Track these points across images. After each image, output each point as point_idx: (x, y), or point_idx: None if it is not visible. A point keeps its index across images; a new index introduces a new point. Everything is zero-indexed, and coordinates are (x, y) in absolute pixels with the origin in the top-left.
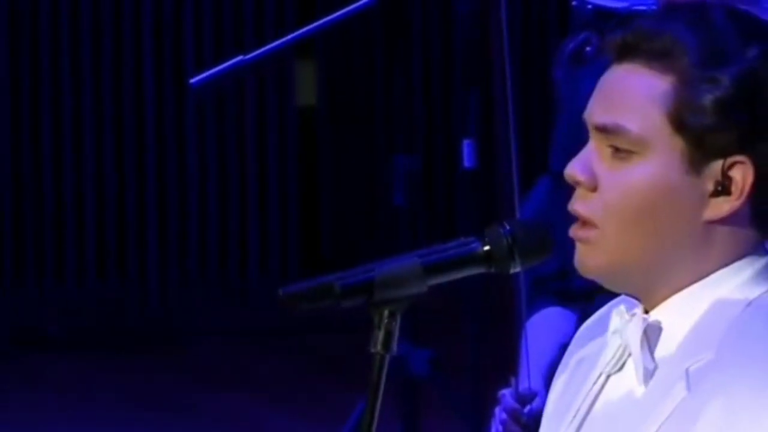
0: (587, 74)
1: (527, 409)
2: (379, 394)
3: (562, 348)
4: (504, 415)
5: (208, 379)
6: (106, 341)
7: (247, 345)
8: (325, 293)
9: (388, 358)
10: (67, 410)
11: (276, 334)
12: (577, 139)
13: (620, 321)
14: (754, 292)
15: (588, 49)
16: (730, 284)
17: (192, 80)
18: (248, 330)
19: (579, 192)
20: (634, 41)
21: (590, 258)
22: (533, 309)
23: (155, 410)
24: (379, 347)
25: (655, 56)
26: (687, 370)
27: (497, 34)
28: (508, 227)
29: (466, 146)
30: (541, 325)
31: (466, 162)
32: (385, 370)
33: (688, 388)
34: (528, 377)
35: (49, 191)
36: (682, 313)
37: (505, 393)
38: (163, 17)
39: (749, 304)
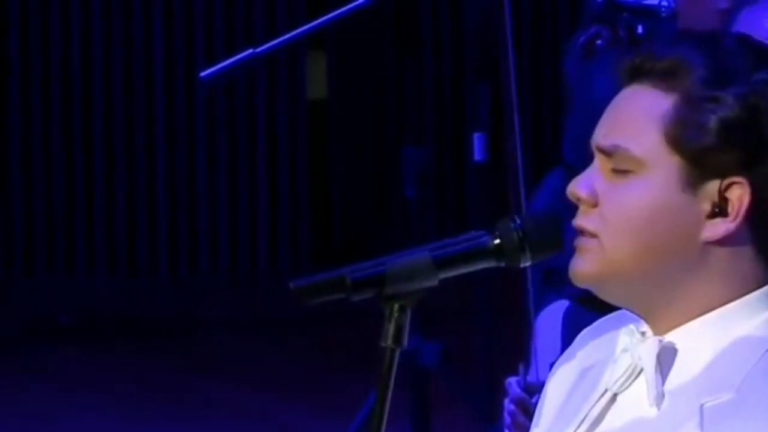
0: (598, 67)
1: (535, 399)
2: (389, 388)
3: None
4: (512, 407)
5: (219, 370)
6: (116, 332)
7: (257, 337)
8: (336, 286)
9: (398, 351)
10: (77, 401)
11: (286, 326)
12: (589, 131)
13: (630, 340)
14: None
15: (599, 42)
16: (753, 322)
17: (202, 74)
18: (258, 321)
19: (581, 208)
20: (642, 63)
21: (583, 266)
22: (544, 302)
23: (165, 401)
24: (389, 341)
25: (661, 76)
26: (702, 407)
27: (502, 28)
28: (518, 221)
29: (477, 140)
30: (552, 318)
31: (477, 155)
32: (395, 364)
33: (702, 426)
34: (537, 370)
35: (59, 183)
36: (699, 342)
37: (512, 381)
38: (173, 10)
39: None
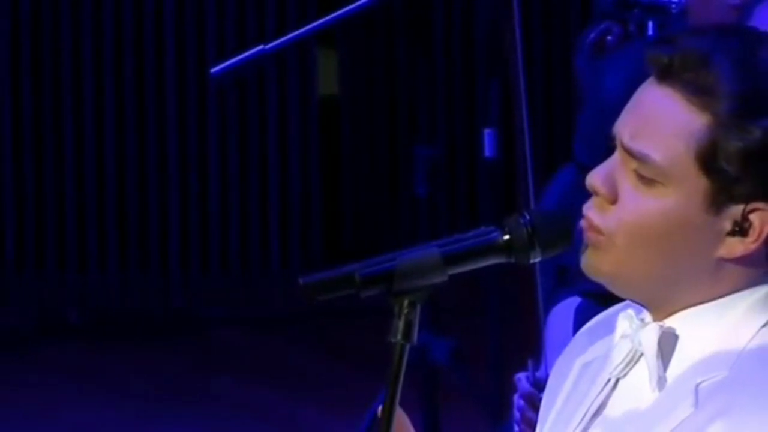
0: (609, 64)
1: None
2: (399, 384)
3: None
4: (521, 402)
5: (230, 368)
6: (127, 329)
7: (268, 334)
8: (345, 283)
9: (408, 347)
10: (87, 397)
11: (297, 324)
12: (600, 129)
13: (630, 326)
14: None
15: (609, 38)
16: (745, 303)
17: (213, 70)
18: (269, 319)
19: (596, 201)
20: (679, 67)
21: (597, 262)
22: (556, 298)
23: (175, 399)
24: (399, 337)
25: (696, 90)
26: (697, 387)
27: (511, 24)
28: (528, 216)
29: (487, 136)
30: (564, 314)
31: (487, 152)
32: (405, 360)
33: (696, 404)
34: (546, 365)
35: (70, 179)
36: (697, 326)
37: (521, 377)
38: (184, 6)
39: (765, 324)
